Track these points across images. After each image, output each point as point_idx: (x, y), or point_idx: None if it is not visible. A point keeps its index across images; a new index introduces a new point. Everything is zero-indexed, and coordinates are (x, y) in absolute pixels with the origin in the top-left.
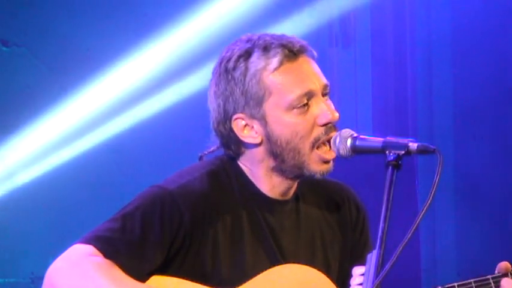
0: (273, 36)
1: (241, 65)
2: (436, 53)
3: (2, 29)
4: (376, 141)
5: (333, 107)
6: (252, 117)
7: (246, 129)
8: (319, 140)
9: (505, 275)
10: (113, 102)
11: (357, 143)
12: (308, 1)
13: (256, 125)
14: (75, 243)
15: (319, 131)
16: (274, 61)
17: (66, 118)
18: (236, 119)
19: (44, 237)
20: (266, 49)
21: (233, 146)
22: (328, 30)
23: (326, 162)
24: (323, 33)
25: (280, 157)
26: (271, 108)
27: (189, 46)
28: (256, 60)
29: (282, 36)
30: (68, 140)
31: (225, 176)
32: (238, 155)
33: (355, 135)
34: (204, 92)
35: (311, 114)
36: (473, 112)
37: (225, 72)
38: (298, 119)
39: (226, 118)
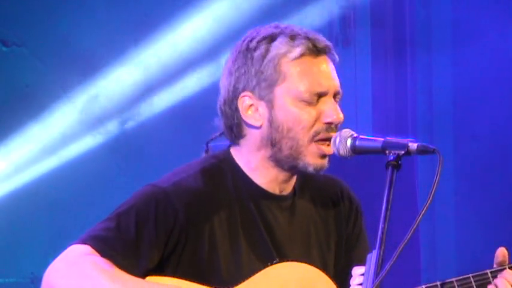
0: (301, 29)
1: (263, 46)
2: (436, 53)
3: (2, 29)
4: (376, 141)
5: (339, 109)
6: (260, 98)
7: (250, 110)
8: (318, 134)
9: (503, 268)
10: (112, 102)
11: (357, 143)
12: (308, 1)
13: (262, 108)
14: (72, 244)
15: (320, 127)
16: (297, 50)
17: (66, 118)
18: (243, 96)
19: (44, 237)
20: (292, 37)
21: (235, 128)
22: (328, 30)
23: (322, 157)
24: (323, 33)
25: (278, 145)
26: (282, 93)
27: (189, 46)
28: (279, 45)
29: (310, 31)
30: (68, 140)
31: (220, 173)
32: (239, 139)
33: (355, 135)
34: (205, 91)
35: (317, 109)
36: (473, 112)
37: (246, 50)
38: (304, 110)
39: (234, 96)
